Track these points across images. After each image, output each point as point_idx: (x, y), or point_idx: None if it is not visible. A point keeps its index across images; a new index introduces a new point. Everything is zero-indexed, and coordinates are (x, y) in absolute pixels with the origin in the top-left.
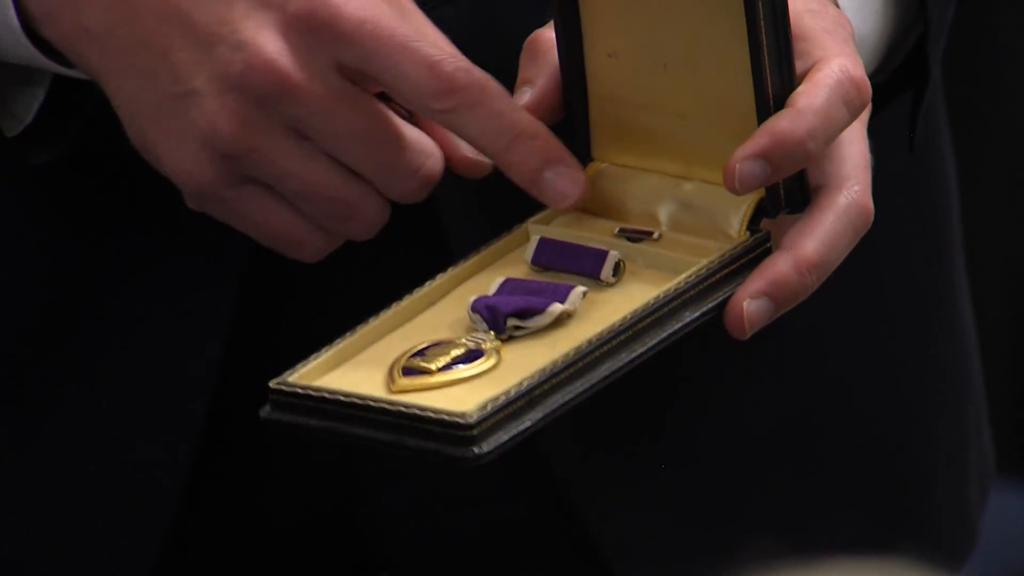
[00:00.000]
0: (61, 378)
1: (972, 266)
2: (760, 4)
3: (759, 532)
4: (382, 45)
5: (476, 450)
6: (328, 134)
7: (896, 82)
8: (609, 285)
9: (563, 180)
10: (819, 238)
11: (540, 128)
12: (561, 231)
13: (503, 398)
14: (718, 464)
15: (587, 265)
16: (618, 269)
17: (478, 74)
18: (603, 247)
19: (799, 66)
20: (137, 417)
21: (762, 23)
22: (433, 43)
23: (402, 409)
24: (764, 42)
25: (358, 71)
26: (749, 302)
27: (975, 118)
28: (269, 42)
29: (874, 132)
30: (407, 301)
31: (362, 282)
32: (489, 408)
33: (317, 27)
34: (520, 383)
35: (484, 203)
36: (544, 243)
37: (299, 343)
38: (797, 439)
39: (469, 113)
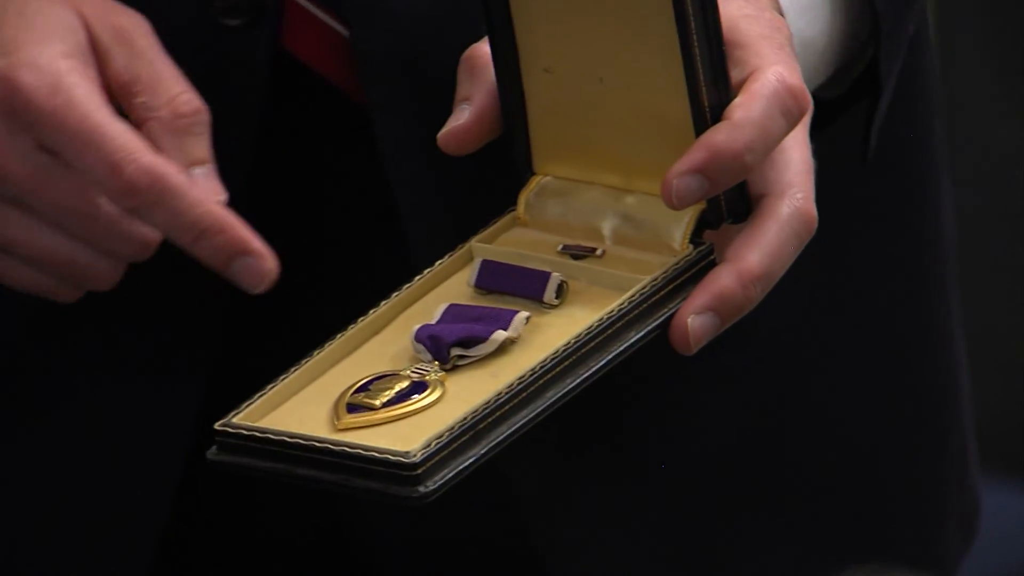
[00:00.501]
0: (51, 383)
1: (970, 264)
2: (691, 19)
3: (717, 551)
4: (70, 137)
5: (422, 489)
6: (43, 208)
7: (857, 94)
8: (553, 307)
9: (248, 271)
10: (762, 249)
11: (225, 221)
12: (504, 250)
13: (447, 435)
14: (676, 480)
15: (530, 288)
16: (561, 291)
17: (160, 171)
18: (546, 268)
19: (736, 74)
20: (127, 426)
21: (694, 37)
22: (116, 138)
23: (347, 450)
24: (697, 55)
25: (57, 151)
26: (694, 318)
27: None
28: None
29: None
30: (352, 331)
31: (332, 296)
32: (433, 446)
33: (13, 112)
34: (464, 418)
35: (448, 208)
36: (486, 265)
37: (289, 348)
38: (759, 454)
39: (153, 211)
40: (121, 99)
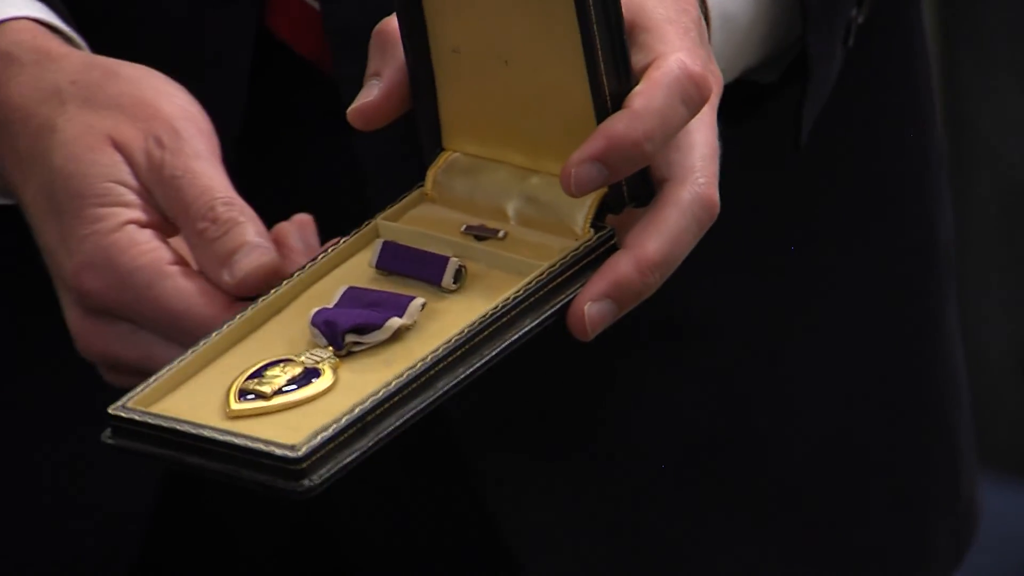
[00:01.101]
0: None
1: (971, 264)
2: (591, 9)
3: (688, 550)
4: (146, 320)
5: (306, 483)
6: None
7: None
8: (451, 292)
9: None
10: (662, 236)
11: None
12: (409, 229)
13: (333, 427)
14: (648, 478)
15: (429, 271)
16: (459, 276)
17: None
18: (447, 250)
19: (639, 59)
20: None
21: (595, 26)
22: (191, 318)
23: (233, 441)
24: (598, 43)
25: None
26: (591, 305)
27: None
28: (72, 317)
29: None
30: (251, 312)
31: None
32: (319, 439)
33: (96, 312)
34: (352, 409)
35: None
36: (387, 247)
37: None
38: (734, 453)
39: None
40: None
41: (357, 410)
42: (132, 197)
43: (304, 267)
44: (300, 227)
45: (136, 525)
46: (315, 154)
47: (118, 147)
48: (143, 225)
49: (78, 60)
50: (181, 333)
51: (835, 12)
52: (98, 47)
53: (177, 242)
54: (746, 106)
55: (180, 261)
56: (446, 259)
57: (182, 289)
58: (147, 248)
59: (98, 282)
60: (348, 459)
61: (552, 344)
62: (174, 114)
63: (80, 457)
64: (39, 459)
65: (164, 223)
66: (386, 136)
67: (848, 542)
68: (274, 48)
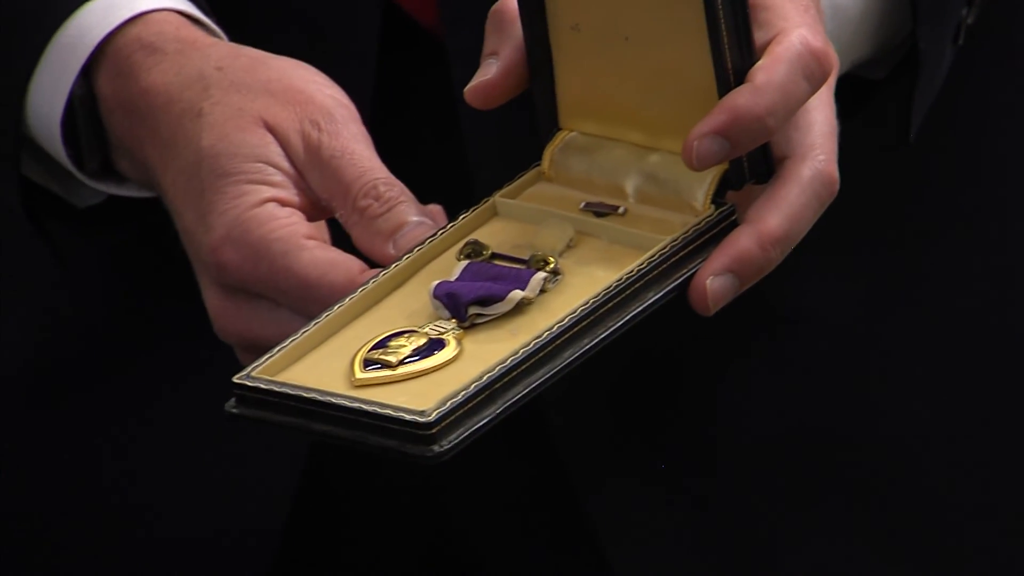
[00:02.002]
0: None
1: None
2: None
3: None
4: (283, 294)
5: (436, 448)
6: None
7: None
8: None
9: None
10: (783, 211)
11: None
12: (527, 205)
13: (462, 394)
14: (739, 470)
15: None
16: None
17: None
18: (567, 225)
19: (760, 36)
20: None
21: (719, 0)
22: (322, 286)
23: (362, 407)
24: (721, 17)
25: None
26: (713, 279)
27: None
28: (209, 296)
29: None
30: (372, 285)
31: None
32: (448, 405)
33: (233, 287)
34: (480, 377)
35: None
36: (469, 268)
37: None
38: (808, 448)
39: None
40: (326, 210)
41: (486, 377)
42: (279, 178)
43: (424, 242)
44: (432, 215)
45: (279, 505)
46: (427, 136)
47: (270, 128)
48: (284, 203)
49: (224, 48)
50: (315, 304)
51: (945, 9)
52: (230, 37)
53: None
54: (854, 101)
55: (316, 236)
56: (532, 272)
57: (317, 259)
58: (285, 222)
59: (235, 255)
60: (476, 426)
61: (651, 336)
62: (326, 101)
63: (227, 439)
64: (185, 441)
65: (310, 206)
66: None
67: (942, 540)
68: (398, 27)
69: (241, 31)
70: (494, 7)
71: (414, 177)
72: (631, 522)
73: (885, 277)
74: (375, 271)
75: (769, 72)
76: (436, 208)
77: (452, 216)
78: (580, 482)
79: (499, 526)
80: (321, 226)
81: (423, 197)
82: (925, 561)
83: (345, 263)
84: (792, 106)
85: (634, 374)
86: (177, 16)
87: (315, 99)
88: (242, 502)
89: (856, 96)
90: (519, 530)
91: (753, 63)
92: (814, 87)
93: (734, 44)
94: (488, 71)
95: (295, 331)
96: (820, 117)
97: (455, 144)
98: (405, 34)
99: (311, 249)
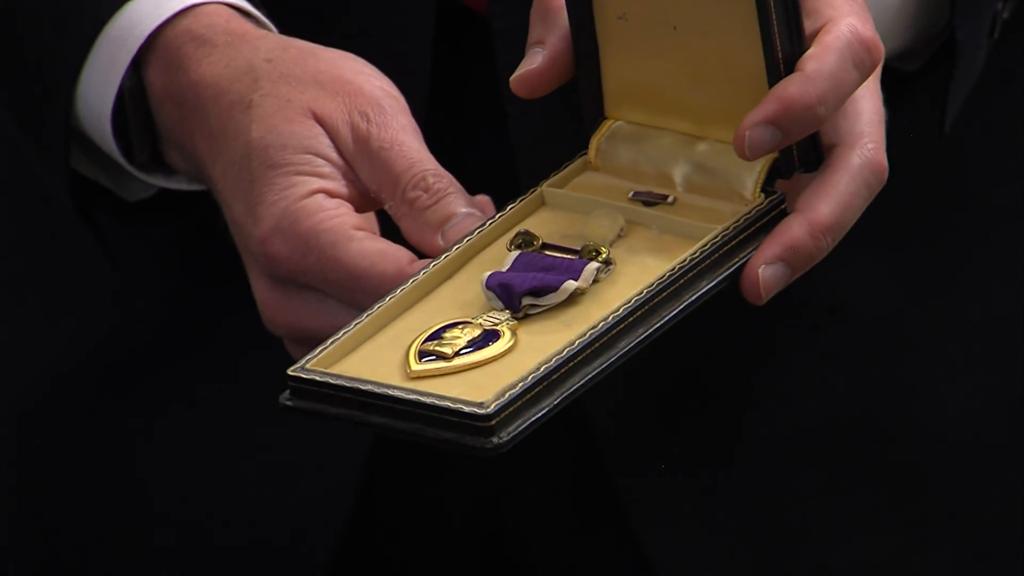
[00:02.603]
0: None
1: None
2: None
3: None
4: (332, 286)
5: (495, 440)
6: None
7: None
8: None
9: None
10: (833, 200)
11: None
12: (575, 195)
13: (520, 385)
14: (768, 460)
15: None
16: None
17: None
18: (617, 214)
19: (808, 25)
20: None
21: None
22: (372, 277)
23: (420, 399)
24: (772, 6)
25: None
26: (764, 268)
27: None
28: (259, 288)
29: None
30: (423, 276)
31: None
32: (507, 397)
33: (283, 280)
34: (537, 368)
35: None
36: (521, 258)
37: None
38: (851, 439)
39: None
40: (375, 202)
41: (543, 368)
42: (328, 169)
43: (473, 233)
44: (480, 206)
45: (334, 520)
46: (475, 122)
47: (319, 120)
48: (333, 195)
49: (274, 41)
50: (364, 295)
51: (982, 1)
52: (285, 29)
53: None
54: (890, 93)
55: (364, 227)
56: (584, 263)
57: (366, 250)
58: (334, 213)
59: (284, 246)
60: (535, 417)
61: (688, 329)
62: (375, 92)
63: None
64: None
65: (359, 197)
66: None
67: (980, 533)
68: (451, 12)
69: (297, 20)
70: None
71: (462, 165)
72: (669, 514)
73: (923, 269)
74: (424, 262)
75: (820, 61)
76: (484, 199)
77: (500, 206)
78: (618, 473)
79: (542, 519)
80: (370, 217)
81: (470, 185)
82: (962, 553)
83: (394, 254)
84: (842, 95)
85: (673, 365)
86: (227, 8)
87: (364, 90)
88: (300, 501)
89: (891, 88)
90: (560, 524)
91: (803, 51)
92: (864, 75)
93: (784, 33)
94: (534, 60)
95: (344, 322)
96: (868, 106)
97: (501, 131)
98: (457, 19)
99: (360, 240)
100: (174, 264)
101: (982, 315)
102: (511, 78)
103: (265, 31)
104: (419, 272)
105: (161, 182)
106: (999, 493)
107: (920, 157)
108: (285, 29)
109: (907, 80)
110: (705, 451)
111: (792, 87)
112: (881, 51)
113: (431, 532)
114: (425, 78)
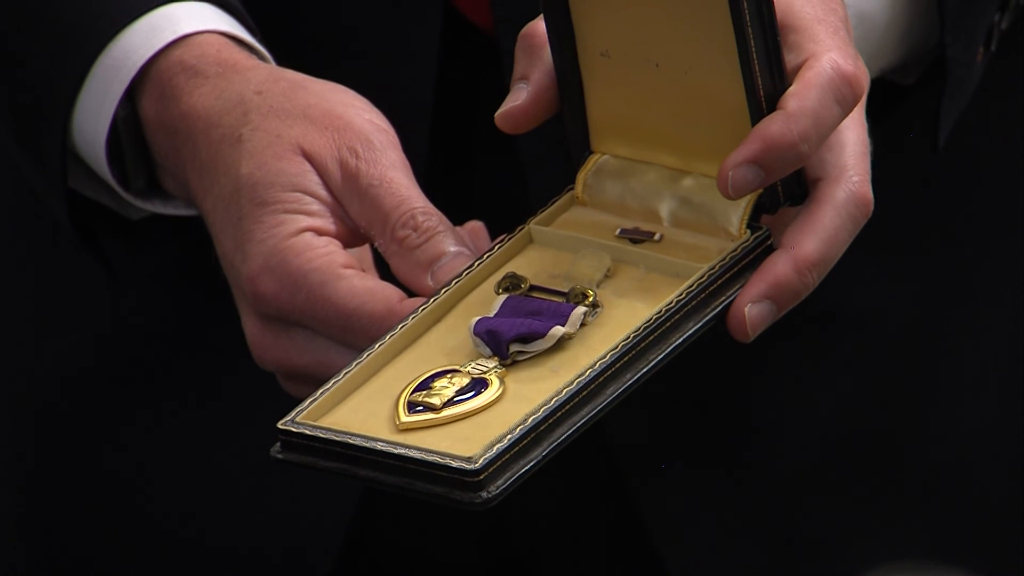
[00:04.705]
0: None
1: None
2: (746, 9)
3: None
4: (320, 324)
5: (484, 494)
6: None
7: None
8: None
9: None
10: (819, 235)
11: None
12: (562, 233)
13: (508, 438)
14: (790, 469)
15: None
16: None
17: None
18: (604, 252)
19: (791, 60)
20: None
21: (749, 28)
22: (361, 317)
23: (408, 454)
24: (752, 45)
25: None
26: (751, 307)
27: None
28: (248, 325)
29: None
30: (412, 321)
31: None
32: (495, 450)
33: (305, 320)
34: (524, 420)
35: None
36: (509, 302)
37: None
38: (863, 446)
39: None
40: (364, 238)
41: (530, 420)
42: (317, 207)
43: (461, 274)
44: (472, 233)
45: (337, 522)
46: (483, 137)
47: (308, 156)
48: (321, 233)
49: (264, 72)
50: (353, 333)
51: (974, 16)
52: (286, 51)
53: (357, 252)
54: (887, 105)
55: (353, 265)
56: (572, 307)
57: (355, 288)
58: (322, 252)
59: (273, 285)
60: (523, 469)
61: (706, 335)
62: (364, 127)
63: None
64: (245, 462)
65: (347, 233)
66: (546, 136)
67: (995, 540)
68: (457, 30)
69: (303, 41)
70: (523, 30)
71: (469, 184)
72: (684, 521)
73: (939, 278)
74: (414, 300)
75: (801, 99)
76: (477, 225)
77: (507, 226)
78: (633, 479)
79: (552, 523)
80: (364, 250)
81: (478, 203)
82: (976, 560)
83: (383, 292)
84: (824, 132)
85: (688, 373)
86: (219, 38)
87: (353, 124)
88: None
89: (887, 101)
90: (572, 525)
91: (785, 87)
92: (846, 111)
93: (765, 70)
94: (518, 96)
95: (333, 360)
96: (852, 137)
97: (508, 149)
98: (463, 37)
99: (348, 278)
100: (172, 274)
101: (998, 324)
102: (496, 114)
103: (256, 61)
104: (408, 317)
105: (159, 208)
106: (1014, 502)
107: (934, 166)
108: (292, 50)
109: (905, 93)
110: (721, 458)
111: (774, 126)
112: (863, 85)
113: (435, 541)
114: (431, 97)
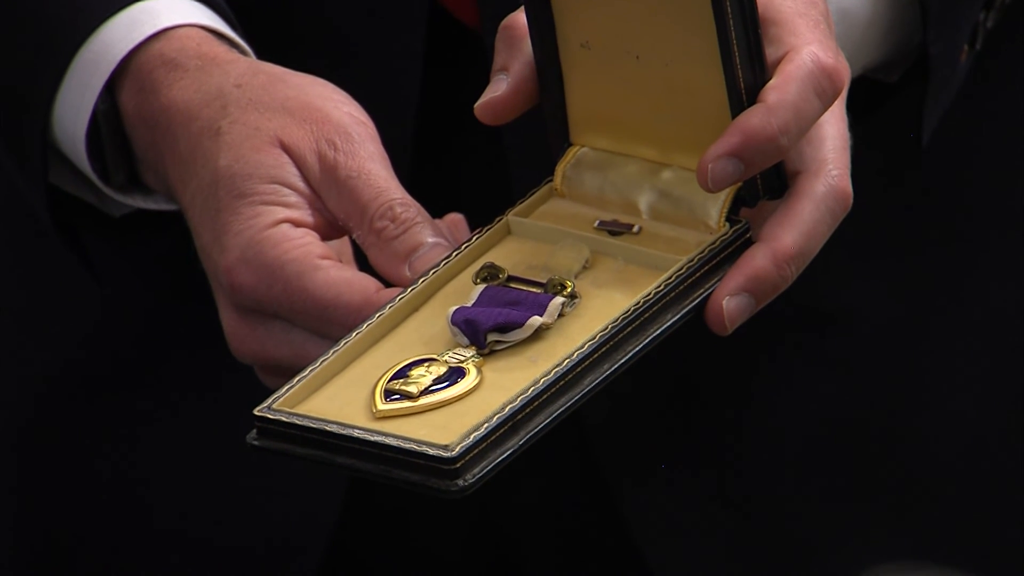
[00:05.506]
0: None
1: None
2: (727, 1)
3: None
4: (298, 316)
5: (460, 482)
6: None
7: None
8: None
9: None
10: (797, 229)
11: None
12: (540, 225)
13: (485, 427)
14: (775, 468)
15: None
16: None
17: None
18: (583, 244)
19: (771, 53)
20: None
21: (730, 19)
22: (338, 307)
23: (385, 441)
24: (733, 37)
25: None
26: (729, 300)
27: None
28: (225, 317)
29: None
30: (389, 310)
31: None
32: (472, 439)
33: (250, 309)
34: (502, 408)
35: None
36: (486, 292)
37: None
38: (849, 447)
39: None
40: (342, 230)
41: (508, 409)
42: (294, 199)
43: (439, 264)
44: (451, 225)
45: (324, 520)
46: (468, 132)
47: (287, 148)
48: (298, 224)
49: (243, 65)
50: (330, 324)
51: (958, 14)
52: (271, 46)
53: (337, 245)
54: (870, 103)
55: (330, 256)
56: (550, 297)
57: (332, 279)
58: (299, 243)
59: (249, 276)
60: (500, 458)
61: (690, 335)
62: (343, 119)
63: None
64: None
65: (325, 225)
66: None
67: (983, 540)
68: (442, 27)
69: (287, 36)
70: (504, 22)
71: (455, 176)
72: (669, 522)
73: (925, 277)
74: (391, 291)
75: (781, 92)
76: (457, 217)
77: (493, 218)
78: (616, 482)
79: (537, 526)
80: (344, 243)
81: (464, 196)
82: (964, 560)
83: (360, 282)
84: (804, 125)
85: (671, 374)
86: (199, 31)
87: (332, 117)
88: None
89: (871, 99)
90: (557, 528)
91: (765, 81)
92: (826, 104)
93: (746, 63)
94: (498, 87)
95: (310, 352)
96: (832, 131)
97: (495, 142)
98: (449, 33)
99: (325, 269)
100: (157, 274)
101: (984, 323)
102: (475, 105)
103: (236, 55)
104: (385, 306)
105: (140, 203)
106: (1001, 501)
107: (920, 165)
108: (276, 45)
109: (889, 91)
110: (706, 458)
111: (754, 119)
112: (844, 78)
113: (420, 540)
114: (417, 93)
